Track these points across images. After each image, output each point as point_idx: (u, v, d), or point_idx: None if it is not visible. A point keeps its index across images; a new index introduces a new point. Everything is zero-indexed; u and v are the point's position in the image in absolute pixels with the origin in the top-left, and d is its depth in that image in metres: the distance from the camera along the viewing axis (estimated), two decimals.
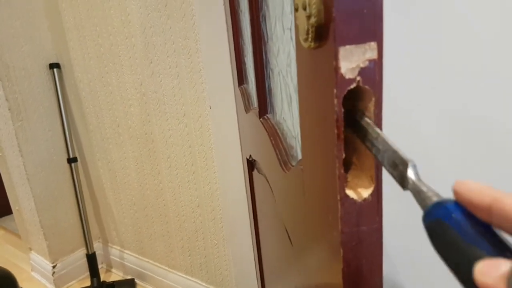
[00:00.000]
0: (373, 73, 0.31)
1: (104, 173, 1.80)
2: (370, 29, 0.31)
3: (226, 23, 1.04)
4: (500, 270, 0.18)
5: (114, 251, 1.96)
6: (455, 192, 0.23)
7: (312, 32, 0.34)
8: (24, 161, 1.72)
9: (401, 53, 0.79)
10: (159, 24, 1.26)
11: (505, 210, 0.20)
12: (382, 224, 0.35)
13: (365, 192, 0.35)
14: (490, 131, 0.76)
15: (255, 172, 1.03)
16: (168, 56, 1.28)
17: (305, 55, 0.37)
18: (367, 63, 0.31)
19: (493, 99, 0.74)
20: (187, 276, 1.62)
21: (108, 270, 2.01)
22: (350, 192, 0.35)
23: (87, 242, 1.80)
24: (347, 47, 0.31)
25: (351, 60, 0.31)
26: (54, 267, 1.88)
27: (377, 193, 0.34)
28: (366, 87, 0.31)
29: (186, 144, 1.36)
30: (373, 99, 0.31)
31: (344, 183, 0.35)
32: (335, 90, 0.31)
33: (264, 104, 0.74)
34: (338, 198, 0.35)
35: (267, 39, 0.66)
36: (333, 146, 0.34)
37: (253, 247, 1.25)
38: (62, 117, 1.74)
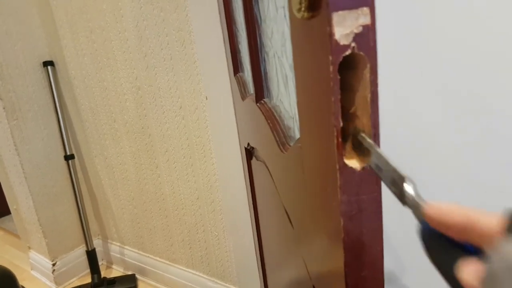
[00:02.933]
0: (367, 38, 0.31)
1: (102, 169, 1.80)
2: None
3: (219, 12, 1.03)
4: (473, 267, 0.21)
5: (114, 247, 1.96)
6: (427, 216, 0.25)
7: (305, 1, 0.34)
8: (20, 160, 1.71)
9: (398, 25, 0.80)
10: (152, 17, 1.26)
11: (481, 230, 0.22)
12: (381, 192, 0.35)
13: (364, 162, 0.35)
14: (487, 112, 0.76)
15: (253, 160, 1.03)
16: (162, 49, 1.28)
17: (299, 26, 0.37)
18: (360, 28, 0.31)
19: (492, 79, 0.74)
20: (188, 269, 1.62)
21: (108, 267, 2.01)
22: (348, 162, 0.35)
23: (87, 238, 1.80)
24: (340, 12, 0.31)
25: (344, 26, 0.31)
26: (54, 265, 1.88)
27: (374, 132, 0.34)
28: (361, 53, 0.31)
29: (184, 137, 1.36)
30: (368, 65, 0.31)
31: (342, 152, 0.35)
32: (330, 57, 0.31)
33: (260, 88, 0.74)
34: (337, 167, 0.35)
35: (261, 22, 0.66)
36: (330, 115, 0.34)
37: (253, 237, 1.26)
38: (58, 114, 1.73)
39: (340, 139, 0.35)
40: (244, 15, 0.71)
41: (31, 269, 2.06)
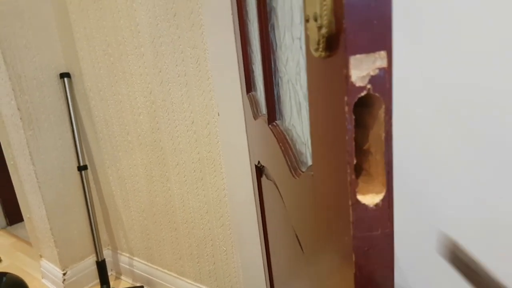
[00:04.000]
0: (383, 81, 0.32)
1: (114, 180, 1.82)
2: (380, 38, 0.32)
3: (234, 32, 1.05)
4: None
5: (124, 258, 1.97)
6: None
7: (323, 42, 0.35)
8: (35, 169, 1.74)
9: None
10: (168, 34, 1.28)
11: None
12: (393, 229, 0.36)
13: (377, 198, 0.36)
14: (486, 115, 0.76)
15: (263, 178, 1.03)
16: (177, 65, 1.30)
17: (315, 64, 0.38)
18: (377, 71, 0.32)
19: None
20: (196, 283, 1.62)
21: (117, 277, 2.02)
22: (361, 198, 0.35)
23: (97, 249, 1.81)
24: (358, 56, 0.32)
25: (361, 69, 0.32)
26: (64, 274, 1.89)
27: (388, 199, 0.35)
28: (376, 94, 0.32)
29: (195, 151, 1.38)
30: (383, 106, 0.32)
31: (355, 188, 0.35)
32: (346, 98, 0.32)
33: (273, 111, 0.75)
34: (350, 203, 0.36)
35: (276, 48, 0.67)
36: (344, 152, 0.35)
37: (262, 254, 1.26)
38: (73, 125, 1.76)
39: (353, 176, 0.36)
40: (260, 40, 0.72)
41: (42, 278, 2.08)
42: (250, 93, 1.01)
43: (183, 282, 1.68)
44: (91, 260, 1.94)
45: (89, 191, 1.80)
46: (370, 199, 0.35)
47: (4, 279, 1.54)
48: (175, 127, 1.41)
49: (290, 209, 0.72)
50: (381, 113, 0.32)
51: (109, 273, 2.01)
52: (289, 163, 0.65)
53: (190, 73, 1.27)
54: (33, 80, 1.69)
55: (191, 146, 1.38)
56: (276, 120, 0.76)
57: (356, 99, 0.32)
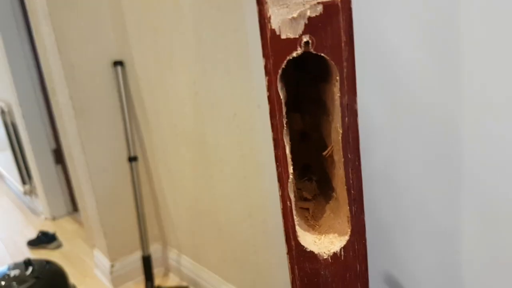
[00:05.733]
0: (334, 27, 0.16)
1: (164, 173, 1.75)
2: None
3: None
4: None
5: (172, 255, 1.90)
6: None
7: None
8: (86, 159, 1.72)
9: None
10: (209, 16, 1.16)
11: None
12: None
13: (337, 243, 0.20)
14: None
15: None
16: (219, 52, 1.17)
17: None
18: (320, 9, 0.16)
19: None
20: None
21: (165, 274, 1.97)
22: (306, 240, 0.20)
23: (143, 244, 1.76)
24: None
25: (288, 4, 0.16)
26: (112, 266, 1.87)
27: (356, 245, 0.19)
28: (324, 52, 0.16)
29: (237, 147, 1.25)
30: (338, 77, 0.16)
31: (294, 224, 0.20)
32: (263, 62, 0.16)
33: None
34: (286, 249, 0.21)
35: None
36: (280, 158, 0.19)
37: None
38: (125, 115, 1.72)
39: (289, 202, 0.21)
40: None
41: (95, 267, 2.09)
42: None
43: (227, 287, 1.56)
44: (139, 254, 1.89)
45: (139, 184, 1.75)
46: (327, 246, 0.20)
47: (47, 266, 1.53)
48: (218, 121, 1.29)
49: None
50: (335, 90, 0.16)
51: (158, 269, 1.96)
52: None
53: (232, 60, 1.13)
54: (86, 69, 1.66)
55: (233, 142, 1.26)
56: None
57: (282, 65, 0.16)
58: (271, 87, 0.17)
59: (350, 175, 0.20)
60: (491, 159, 0.68)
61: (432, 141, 0.76)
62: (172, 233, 1.86)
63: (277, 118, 0.19)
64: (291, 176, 0.19)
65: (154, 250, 1.92)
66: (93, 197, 1.78)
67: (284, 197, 0.18)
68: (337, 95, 0.20)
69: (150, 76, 1.58)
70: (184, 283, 1.82)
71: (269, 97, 0.17)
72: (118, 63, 1.70)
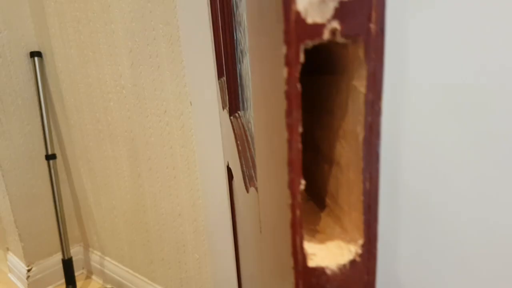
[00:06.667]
0: (366, 13, 0.15)
1: (85, 172, 1.65)
2: None
3: (208, 5, 0.88)
4: None
5: (95, 257, 1.81)
6: None
7: None
8: None
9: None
10: (138, 8, 1.11)
11: None
12: None
13: (346, 254, 0.19)
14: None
15: (234, 181, 0.87)
16: (148, 45, 1.13)
17: None
18: None
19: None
20: None
21: (88, 277, 1.87)
22: (314, 256, 0.19)
23: (63, 246, 1.65)
24: None
25: None
26: (29, 270, 1.74)
27: (368, 255, 0.18)
28: (349, 41, 0.15)
29: (167, 145, 1.21)
30: (365, 71, 0.15)
31: (302, 238, 0.19)
32: (284, 49, 0.15)
33: (235, 97, 0.58)
34: (292, 265, 0.19)
35: (236, 10, 0.50)
36: (283, 164, 0.18)
37: (235, 267, 1.09)
38: (42, 109, 1.60)
39: (298, 213, 0.19)
40: (220, 7, 0.55)
41: (9, 272, 1.93)
42: (221, 78, 0.84)
43: None
44: (59, 257, 1.78)
45: (57, 183, 1.64)
46: (333, 257, 0.19)
47: None
48: (147, 117, 1.24)
49: (247, 225, 0.55)
50: (361, 84, 0.16)
51: (80, 272, 1.85)
52: (244, 169, 0.48)
53: (163, 54, 1.10)
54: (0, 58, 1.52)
55: (164, 139, 1.22)
56: (238, 110, 0.59)
57: (302, 52, 0.15)
58: (291, 80, 0.16)
59: (366, 179, 0.19)
60: (423, 163, 0.72)
61: None
62: (95, 235, 1.76)
63: (294, 116, 0.17)
64: (303, 182, 0.17)
65: (75, 252, 1.82)
66: (6, 197, 1.64)
67: (294, 206, 0.17)
68: (361, 90, 0.18)
69: (72, 68, 1.48)
70: (108, 286, 1.74)
71: (287, 92, 0.15)
72: (35, 54, 1.58)
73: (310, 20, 0.12)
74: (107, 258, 1.74)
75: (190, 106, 1.07)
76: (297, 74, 0.13)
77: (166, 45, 1.07)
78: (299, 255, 0.15)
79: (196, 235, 1.24)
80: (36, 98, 1.61)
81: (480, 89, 0.61)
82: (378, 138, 0.15)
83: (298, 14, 0.13)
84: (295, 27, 0.13)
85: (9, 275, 1.92)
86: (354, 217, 0.15)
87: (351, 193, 0.15)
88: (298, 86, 0.14)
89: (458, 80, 0.62)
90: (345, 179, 0.17)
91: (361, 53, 0.13)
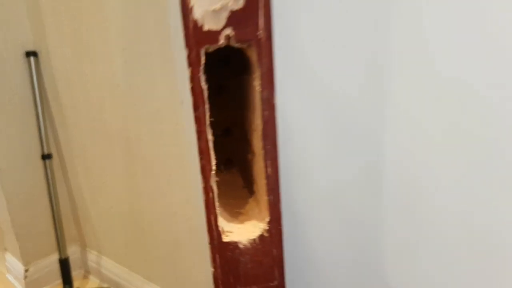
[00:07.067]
0: (253, 22, 0.15)
1: (82, 171, 1.65)
2: None
3: None
4: None
5: (92, 256, 1.81)
6: None
7: None
8: None
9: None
10: (131, 7, 1.11)
11: None
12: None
13: (256, 231, 0.20)
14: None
15: None
16: (141, 44, 1.13)
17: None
18: (241, 2, 0.15)
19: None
20: None
21: (85, 276, 1.87)
22: (230, 231, 0.19)
23: (60, 246, 1.66)
24: None
25: None
26: (26, 270, 1.74)
27: (273, 231, 0.19)
28: (244, 46, 0.15)
29: (161, 144, 1.21)
30: (260, 70, 0.15)
31: (215, 216, 0.20)
32: (187, 52, 0.15)
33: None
34: (208, 240, 0.20)
35: None
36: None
37: None
38: (37, 108, 1.60)
39: (211, 195, 0.20)
40: None
41: (7, 273, 1.93)
42: None
43: (151, 287, 1.52)
44: (55, 257, 1.78)
45: (53, 182, 1.64)
46: (247, 234, 0.20)
47: None
48: (141, 116, 1.24)
49: None
50: (257, 84, 0.16)
51: (77, 271, 1.85)
52: None
53: (154, 53, 1.09)
54: None
55: (157, 138, 1.21)
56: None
57: (203, 57, 0.15)
58: (194, 78, 0.16)
59: (268, 166, 0.20)
60: (410, 152, 0.72)
61: (351, 135, 0.78)
62: (92, 234, 1.77)
63: (200, 110, 0.18)
64: (213, 168, 0.18)
65: (72, 252, 1.82)
66: (3, 196, 1.64)
67: (206, 189, 0.18)
68: (257, 88, 0.20)
69: (67, 68, 1.48)
70: (105, 285, 1.74)
71: (192, 89, 0.16)
72: (31, 54, 1.58)
73: (206, 27, 0.13)
74: (104, 257, 1.75)
75: (181, 105, 1.07)
76: (198, 73, 0.14)
77: (159, 45, 1.07)
78: (214, 232, 0.15)
79: (190, 233, 1.24)
80: (31, 97, 1.61)
81: (469, 86, 0.60)
82: (274, 130, 0.15)
83: (195, 22, 0.13)
84: (193, 33, 0.13)
85: (7, 275, 1.92)
86: (264, 199, 0.16)
87: (261, 179, 0.16)
88: (203, 83, 0.14)
89: (445, 74, 0.62)
90: (258, 167, 0.17)
91: (254, 56, 0.14)
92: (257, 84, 0.18)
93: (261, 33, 0.16)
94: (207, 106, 0.16)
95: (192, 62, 0.14)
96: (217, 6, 0.14)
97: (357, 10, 0.67)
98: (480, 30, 0.57)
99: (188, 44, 0.14)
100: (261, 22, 0.15)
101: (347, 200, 0.83)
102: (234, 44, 0.15)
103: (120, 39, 1.19)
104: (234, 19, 0.14)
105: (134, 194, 1.41)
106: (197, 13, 0.13)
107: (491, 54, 0.57)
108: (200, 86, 0.14)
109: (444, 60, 0.61)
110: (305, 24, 0.72)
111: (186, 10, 0.13)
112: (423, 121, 0.67)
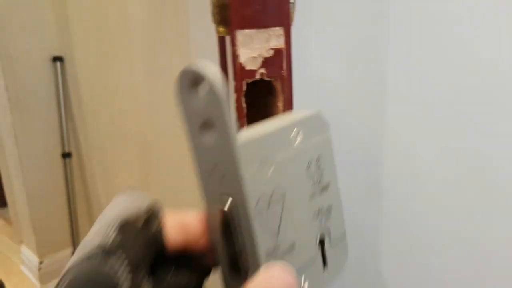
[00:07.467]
0: (279, 64, 0.24)
1: (98, 172, 1.76)
2: (275, 11, 0.24)
3: None
4: None
5: None
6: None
7: (216, 13, 0.27)
8: (19, 152, 1.69)
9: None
10: (154, 22, 1.21)
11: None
12: None
13: None
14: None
15: None
16: (162, 56, 1.23)
17: (219, 42, 0.31)
18: (271, 52, 0.24)
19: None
20: None
21: None
22: None
23: (74, 241, 1.75)
24: (246, 31, 0.24)
25: (251, 48, 0.24)
26: (41, 263, 1.84)
27: None
28: (273, 80, 0.24)
29: (177, 147, 1.30)
30: (281, 97, 0.24)
31: None
32: (233, 84, 0.24)
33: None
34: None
35: None
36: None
37: None
38: (61, 111, 1.71)
39: None
40: None
41: (21, 264, 2.03)
42: None
43: None
44: (69, 251, 1.88)
45: (72, 180, 1.74)
46: None
47: None
48: (158, 121, 1.34)
49: None
50: (280, 105, 0.25)
51: None
52: None
53: (174, 64, 1.19)
54: (25, 62, 1.64)
55: (173, 142, 1.31)
56: None
57: (244, 86, 0.24)
58: (238, 100, 0.25)
59: None
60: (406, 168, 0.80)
61: (355, 147, 0.87)
62: None
63: (241, 121, 0.27)
64: None
65: None
66: (24, 191, 1.75)
67: None
68: (280, 108, 0.28)
69: (90, 73, 1.59)
70: None
71: (236, 107, 0.25)
72: (57, 59, 1.69)
73: (248, 67, 0.21)
74: None
75: None
76: (241, 98, 0.23)
77: (179, 57, 1.17)
78: None
79: None
80: (55, 99, 1.72)
81: (467, 95, 0.69)
82: None
83: (240, 64, 0.22)
84: (239, 71, 0.22)
85: (22, 267, 2.02)
86: None
87: None
88: (243, 104, 0.23)
89: (441, 89, 0.70)
90: None
91: (279, 87, 0.23)
92: (280, 105, 0.26)
93: (284, 71, 0.25)
94: (245, 119, 0.24)
95: (237, 90, 0.21)
96: (255, 54, 0.22)
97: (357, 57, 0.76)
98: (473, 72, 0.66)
99: (235, 78, 0.21)
100: (284, 64, 0.24)
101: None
102: (266, 78, 0.23)
103: (142, 50, 1.29)
104: (266, 62, 0.22)
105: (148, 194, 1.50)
106: (242, 59, 0.21)
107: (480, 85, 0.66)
108: (242, 106, 0.22)
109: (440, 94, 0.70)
110: (317, 64, 0.82)
111: (235, 56, 0.22)
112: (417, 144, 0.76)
